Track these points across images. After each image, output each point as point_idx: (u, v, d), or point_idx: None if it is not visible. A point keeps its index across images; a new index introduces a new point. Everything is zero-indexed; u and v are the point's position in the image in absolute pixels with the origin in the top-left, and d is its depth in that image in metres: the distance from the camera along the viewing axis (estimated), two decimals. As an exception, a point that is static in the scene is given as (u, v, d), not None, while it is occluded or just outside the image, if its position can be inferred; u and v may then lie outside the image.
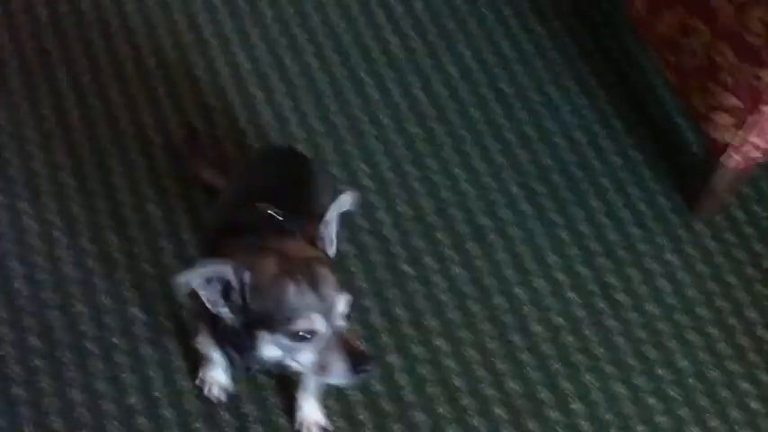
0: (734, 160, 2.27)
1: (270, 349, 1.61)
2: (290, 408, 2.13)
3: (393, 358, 2.22)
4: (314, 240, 1.66)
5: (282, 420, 2.13)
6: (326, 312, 1.57)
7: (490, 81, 2.63)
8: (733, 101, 2.17)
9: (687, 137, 2.56)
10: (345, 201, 1.65)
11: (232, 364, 1.79)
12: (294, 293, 1.56)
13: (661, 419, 2.18)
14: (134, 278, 2.28)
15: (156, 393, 2.15)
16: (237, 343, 1.68)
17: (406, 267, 2.34)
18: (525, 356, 2.24)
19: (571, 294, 2.32)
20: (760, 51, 2.05)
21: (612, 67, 2.67)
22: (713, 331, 2.29)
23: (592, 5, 2.78)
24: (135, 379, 2.16)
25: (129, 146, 2.45)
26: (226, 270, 1.55)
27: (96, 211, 2.36)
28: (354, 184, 2.43)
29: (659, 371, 2.23)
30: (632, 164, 2.51)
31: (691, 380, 2.23)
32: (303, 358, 1.60)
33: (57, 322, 2.22)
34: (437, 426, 2.15)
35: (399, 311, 2.28)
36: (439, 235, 2.38)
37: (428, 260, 2.35)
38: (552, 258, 2.37)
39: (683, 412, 2.19)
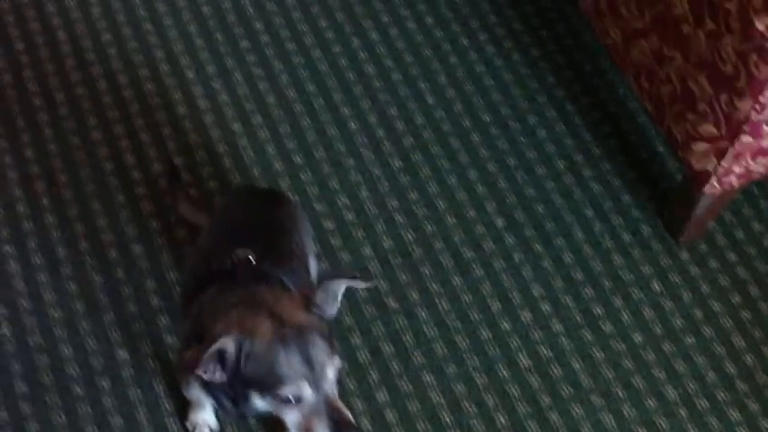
0: (715, 188, 2.28)
1: (260, 404, 1.62)
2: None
3: (381, 394, 2.21)
4: (309, 303, 1.65)
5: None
6: (315, 379, 1.58)
7: (469, 110, 2.64)
8: (711, 130, 2.18)
9: (668, 164, 2.57)
10: (357, 284, 1.66)
11: (225, 411, 1.78)
12: (285, 361, 1.57)
13: (651, 450, 2.19)
14: (120, 319, 2.26)
15: (146, 438, 2.13)
16: (230, 396, 1.67)
17: (391, 302, 2.33)
18: (513, 389, 2.24)
19: (557, 326, 2.33)
20: (734, 80, 2.06)
21: (591, 95, 2.68)
22: (700, 360, 2.30)
23: (569, 33, 2.79)
24: (123, 422, 2.15)
25: (110, 185, 2.44)
26: (229, 345, 1.57)
27: (80, 251, 2.34)
28: (338, 219, 2.42)
29: (648, 401, 2.24)
30: (614, 192, 2.52)
31: (680, 410, 2.24)
32: (289, 419, 1.61)
33: (43, 366, 2.20)
34: (428, 463, 2.15)
35: (386, 347, 2.27)
36: (424, 270, 2.38)
37: (413, 294, 2.35)
38: (537, 290, 2.37)
39: (673, 442, 2.20)
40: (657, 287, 2.39)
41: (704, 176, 2.26)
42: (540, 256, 2.42)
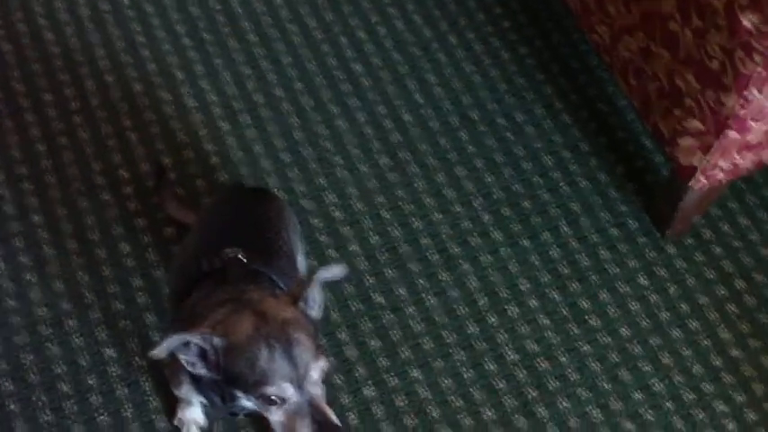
0: (701, 182, 2.28)
1: (247, 403, 1.61)
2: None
3: (368, 390, 2.20)
4: (295, 299, 1.64)
5: (260, 457, 2.12)
6: (299, 380, 1.56)
7: (457, 108, 2.64)
8: (697, 125, 2.18)
9: (655, 159, 2.57)
10: (336, 271, 1.64)
11: (215, 408, 1.77)
12: (266, 359, 1.55)
13: (638, 443, 2.18)
14: (107, 318, 2.26)
15: (134, 435, 2.13)
16: (218, 393, 1.67)
17: (378, 298, 2.33)
18: (501, 384, 2.23)
19: (544, 320, 2.32)
20: (720, 76, 2.06)
21: (579, 92, 2.68)
22: (687, 353, 2.29)
23: (557, 30, 2.79)
24: (111, 420, 2.14)
25: (97, 184, 2.44)
26: (194, 339, 1.55)
27: (67, 251, 2.34)
28: (325, 216, 2.42)
29: (635, 394, 2.24)
30: (601, 187, 2.52)
31: (667, 403, 2.23)
32: (273, 419, 1.59)
33: (29, 364, 2.20)
34: (415, 457, 2.14)
35: (373, 343, 2.27)
36: (411, 265, 2.38)
37: (401, 290, 2.34)
38: (524, 285, 2.37)
39: (660, 435, 2.19)
40: (644, 281, 2.39)
41: (690, 171, 2.27)
42: (526, 251, 2.42)
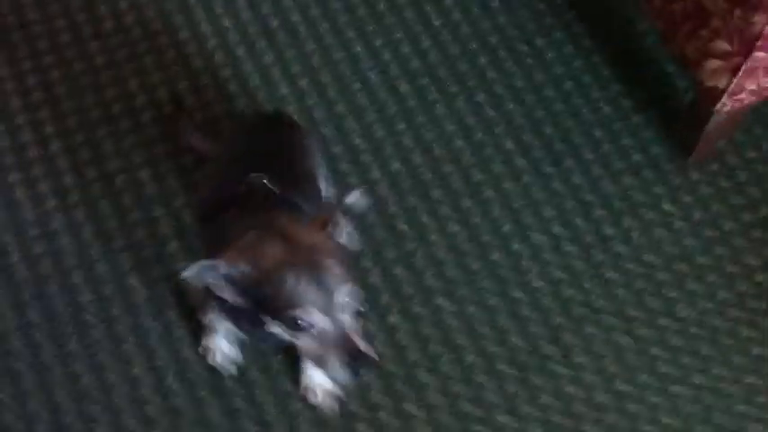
0: (727, 106, 2.23)
1: (277, 330, 1.58)
2: (296, 372, 2.08)
3: (395, 319, 2.17)
4: (324, 224, 1.59)
5: (289, 386, 2.09)
6: (328, 306, 1.51)
7: (477, 33, 2.57)
8: (724, 46, 2.13)
9: (678, 84, 2.51)
10: (359, 197, 1.59)
11: (248, 336, 1.74)
12: (294, 284, 1.50)
13: (666, 369, 2.16)
14: (130, 246, 2.22)
15: (160, 363, 2.10)
16: (248, 319, 1.63)
17: (403, 226, 2.29)
18: (527, 311, 2.21)
19: (570, 247, 2.29)
20: (749, -7, 2.00)
21: (599, 16, 2.61)
22: (713, 279, 2.26)
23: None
24: (136, 349, 2.11)
25: (116, 114, 2.39)
26: (222, 266, 1.52)
27: (88, 181, 2.29)
28: (346, 144, 2.37)
29: (662, 321, 2.21)
30: (624, 113, 2.47)
31: (693, 328, 2.21)
32: (302, 345, 1.55)
33: (54, 293, 2.16)
34: (444, 385, 2.12)
35: (399, 271, 2.23)
36: (434, 193, 2.34)
37: (425, 218, 2.30)
38: (549, 212, 2.33)
39: (687, 360, 2.17)
40: (669, 207, 2.35)
41: (716, 94, 2.21)
42: (551, 177, 2.38)
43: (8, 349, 2.10)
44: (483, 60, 2.54)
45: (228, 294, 1.55)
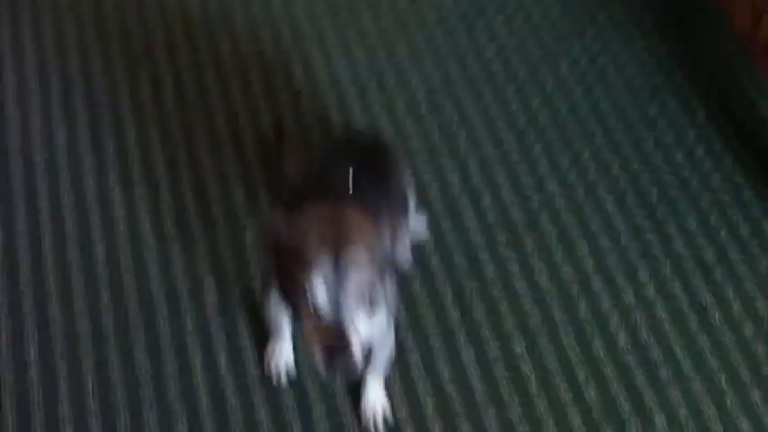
0: None
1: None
2: (355, 392, 1.98)
3: (442, 367, 2.05)
4: (382, 232, 1.53)
5: (346, 405, 1.98)
6: (336, 298, 1.43)
7: (588, 98, 2.50)
8: None
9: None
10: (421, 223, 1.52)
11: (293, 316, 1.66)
12: (313, 255, 1.43)
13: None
14: (211, 252, 2.17)
15: (219, 364, 2.02)
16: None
17: (490, 270, 2.19)
18: (608, 370, 2.04)
19: (663, 313, 2.13)
20: None
21: (716, 90, 2.50)
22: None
23: (692, 22, 2.63)
24: (200, 347, 2.05)
25: (220, 134, 2.38)
26: (267, 220, 1.43)
27: (182, 193, 2.28)
28: (442, 184, 2.31)
29: (753, 396, 2.01)
30: (735, 187, 2.35)
31: (788, 402, 2.01)
32: (304, 323, 1.47)
33: (129, 286, 2.12)
34: (502, 413, 1.96)
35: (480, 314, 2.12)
36: (527, 242, 2.25)
37: (515, 267, 2.20)
38: (644, 275, 2.20)
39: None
40: (774, 282, 2.18)
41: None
42: (650, 243, 2.25)
43: (76, 331, 2.05)
44: (592, 124, 2.45)
45: (269, 253, 1.48)
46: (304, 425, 1.95)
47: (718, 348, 2.08)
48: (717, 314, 2.13)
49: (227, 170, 2.31)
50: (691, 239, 2.24)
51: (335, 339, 1.43)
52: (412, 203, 2.01)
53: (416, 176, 2.29)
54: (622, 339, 2.09)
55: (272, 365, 2.00)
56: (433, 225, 2.23)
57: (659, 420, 1.98)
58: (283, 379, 1.99)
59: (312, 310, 1.44)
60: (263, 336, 2.04)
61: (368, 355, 1.46)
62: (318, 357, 1.44)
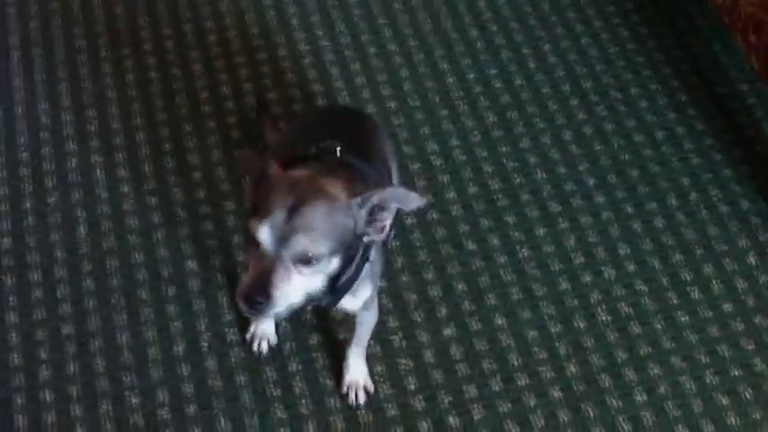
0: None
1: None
2: (336, 369, 1.95)
3: (449, 330, 2.02)
4: (353, 192, 1.47)
5: (328, 382, 1.95)
6: (281, 236, 1.40)
7: (571, 77, 2.47)
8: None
9: (774, 142, 2.34)
10: (411, 198, 1.47)
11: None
12: (272, 197, 1.42)
13: (732, 420, 1.93)
14: (195, 235, 2.14)
15: (203, 344, 1.99)
16: None
17: (469, 245, 2.16)
18: (589, 343, 2.05)
19: (642, 286, 2.13)
20: None
21: (699, 73, 2.48)
22: (793, 329, 2.04)
23: (672, 5, 2.60)
24: (183, 328, 2.03)
25: (203, 112, 2.34)
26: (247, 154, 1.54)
27: (167, 170, 2.25)
28: (425, 163, 2.29)
29: (734, 371, 2.00)
30: (715, 166, 2.32)
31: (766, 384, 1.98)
32: (246, 256, 1.46)
33: (113, 269, 2.09)
34: (489, 397, 1.94)
35: (460, 286, 2.09)
36: (508, 218, 2.22)
37: (496, 240, 2.18)
38: (624, 249, 2.19)
39: (757, 416, 1.94)
40: (753, 261, 2.17)
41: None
42: (630, 217, 2.24)
43: (61, 314, 2.03)
44: (574, 102, 2.42)
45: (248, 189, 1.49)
46: (286, 401, 1.93)
47: (698, 324, 2.06)
48: (696, 290, 2.10)
49: (208, 141, 2.27)
50: (670, 216, 2.21)
51: (264, 271, 1.40)
52: (395, 175, 1.97)
53: (398, 152, 2.25)
54: (602, 315, 2.06)
55: (254, 343, 1.97)
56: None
57: (639, 395, 1.96)
58: (264, 350, 1.96)
59: (258, 239, 1.41)
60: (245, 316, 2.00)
61: (292, 307, 1.45)
62: (241, 285, 1.41)
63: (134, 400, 1.92)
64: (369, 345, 1.94)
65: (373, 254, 1.62)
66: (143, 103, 2.36)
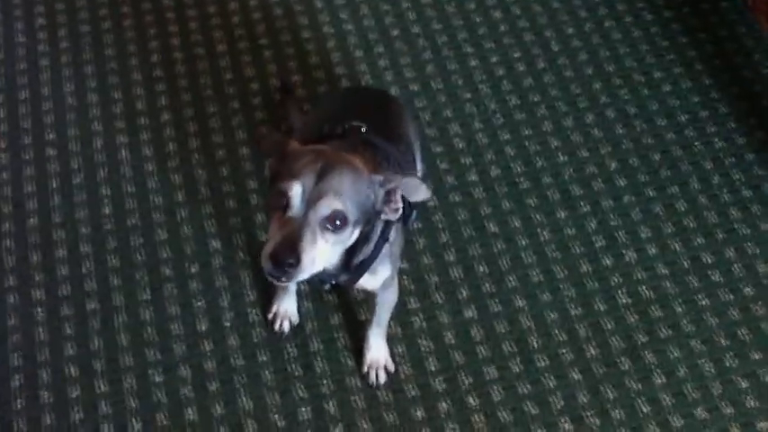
0: None
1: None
2: (357, 349, 1.93)
3: (469, 311, 2.00)
4: (375, 169, 1.49)
5: (349, 362, 1.93)
6: (310, 196, 1.39)
7: (594, 61, 2.44)
8: None
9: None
10: (421, 190, 1.47)
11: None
12: (300, 161, 1.41)
13: (752, 403, 1.90)
14: (218, 213, 2.13)
15: (226, 323, 1.98)
16: None
17: (491, 227, 2.13)
18: (609, 325, 2.02)
19: (663, 270, 2.11)
20: None
21: (723, 56, 2.43)
22: (815, 314, 2.01)
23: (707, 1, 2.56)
24: (206, 307, 2.01)
25: (228, 93, 2.33)
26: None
27: (190, 149, 2.23)
28: (447, 146, 2.26)
29: (754, 354, 1.96)
30: (738, 150, 2.28)
31: (787, 361, 1.95)
32: (275, 217, 1.44)
33: (137, 245, 2.08)
34: (509, 383, 1.92)
35: (480, 267, 2.06)
36: (530, 200, 2.19)
37: (517, 222, 2.14)
38: (645, 233, 2.16)
39: (777, 393, 1.91)
40: (774, 243, 2.12)
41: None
42: (651, 200, 2.20)
43: (85, 289, 2.02)
44: (597, 86, 2.39)
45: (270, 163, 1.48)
46: (307, 380, 1.91)
47: (719, 307, 2.02)
48: (717, 274, 2.07)
49: (233, 122, 2.26)
50: (692, 199, 2.18)
51: (293, 233, 1.38)
52: (418, 157, 1.94)
53: (422, 133, 2.23)
54: (623, 297, 2.03)
55: (276, 322, 1.95)
56: (437, 182, 2.18)
57: (658, 378, 1.93)
58: (286, 329, 1.94)
59: (286, 204, 1.39)
60: (268, 295, 1.99)
61: (316, 273, 1.44)
62: (268, 248, 1.39)
63: (157, 378, 1.91)
64: (390, 326, 1.92)
65: (393, 234, 1.60)
66: (168, 84, 2.34)
